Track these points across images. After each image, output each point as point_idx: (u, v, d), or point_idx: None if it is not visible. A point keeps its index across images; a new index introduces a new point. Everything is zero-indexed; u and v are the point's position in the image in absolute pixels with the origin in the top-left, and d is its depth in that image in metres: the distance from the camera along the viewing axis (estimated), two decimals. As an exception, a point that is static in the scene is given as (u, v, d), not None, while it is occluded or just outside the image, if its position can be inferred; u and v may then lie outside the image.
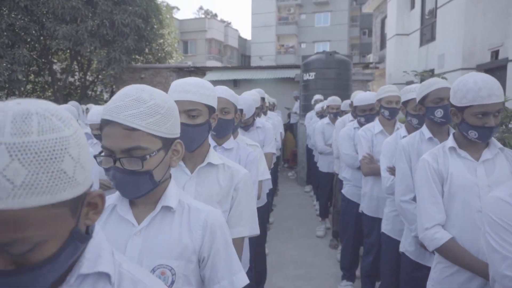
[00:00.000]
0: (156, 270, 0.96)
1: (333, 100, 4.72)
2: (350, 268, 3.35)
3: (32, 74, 11.65)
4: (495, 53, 8.07)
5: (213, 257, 1.01)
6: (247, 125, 2.93)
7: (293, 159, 10.07)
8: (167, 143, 0.99)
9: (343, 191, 3.30)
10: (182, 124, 1.29)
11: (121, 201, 1.02)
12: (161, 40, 13.28)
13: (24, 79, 9.60)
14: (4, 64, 8.41)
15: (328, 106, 4.82)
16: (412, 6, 12.88)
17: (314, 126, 5.95)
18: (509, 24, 7.16)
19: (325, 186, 4.90)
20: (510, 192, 1.11)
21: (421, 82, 11.14)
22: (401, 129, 2.44)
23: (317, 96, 6.97)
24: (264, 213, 3.13)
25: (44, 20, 9.44)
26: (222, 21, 37.74)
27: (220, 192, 1.38)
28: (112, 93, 14.07)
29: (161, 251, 0.97)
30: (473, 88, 1.47)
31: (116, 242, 0.97)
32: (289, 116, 11.05)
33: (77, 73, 13.84)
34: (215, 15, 42.77)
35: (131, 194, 0.97)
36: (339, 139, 3.24)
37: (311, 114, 6.92)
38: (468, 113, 1.51)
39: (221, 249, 1.02)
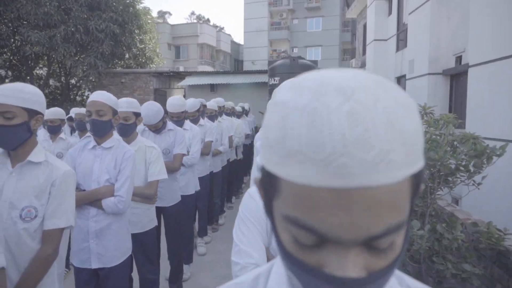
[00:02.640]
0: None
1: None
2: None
3: (10, 79, 11.78)
4: (459, 58, 8.21)
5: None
6: (158, 129, 3.06)
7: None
8: None
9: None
10: None
11: None
12: (142, 46, 13.44)
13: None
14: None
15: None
16: (390, 12, 13.08)
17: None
18: (469, 29, 7.31)
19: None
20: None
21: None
22: None
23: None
24: (181, 212, 3.24)
25: (17, 25, 9.61)
26: (214, 26, 38.02)
27: (38, 187, 1.51)
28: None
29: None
30: None
31: None
32: (264, 120, 11.19)
33: (62, 78, 13.99)
34: (208, 20, 43.10)
35: None
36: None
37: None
38: None
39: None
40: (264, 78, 11.52)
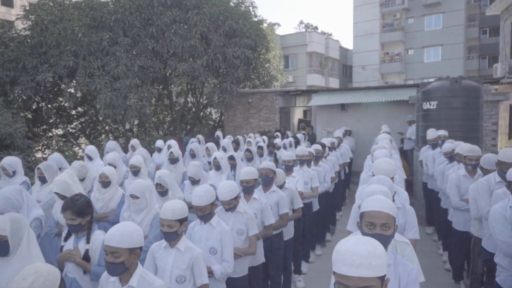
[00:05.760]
0: None
1: (472, 150, 4.13)
2: None
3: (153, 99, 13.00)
4: None
5: None
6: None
7: (407, 188, 9.30)
8: None
9: (497, 279, 2.81)
10: None
11: None
12: (267, 65, 13.66)
13: (150, 113, 10.76)
14: (134, 101, 9.58)
15: (465, 157, 4.24)
16: (556, 7, 10.91)
17: (442, 170, 5.35)
18: None
19: (460, 246, 4.32)
20: None
21: None
22: None
23: (441, 132, 6.27)
24: None
25: (166, 59, 10.54)
26: (322, 33, 37.43)
27: None
28: (222, 115, 15.01)
29: None
30: None
31: None
32: (402, 141, 10.25)
33: (190, 97, 15.04)
34: (316, 27, 42.62)
35: None
36: (490, 219, 2.78)
37: (432, 152, 6.20)
38: None
39: None
40: (401, 95, 10.58)
